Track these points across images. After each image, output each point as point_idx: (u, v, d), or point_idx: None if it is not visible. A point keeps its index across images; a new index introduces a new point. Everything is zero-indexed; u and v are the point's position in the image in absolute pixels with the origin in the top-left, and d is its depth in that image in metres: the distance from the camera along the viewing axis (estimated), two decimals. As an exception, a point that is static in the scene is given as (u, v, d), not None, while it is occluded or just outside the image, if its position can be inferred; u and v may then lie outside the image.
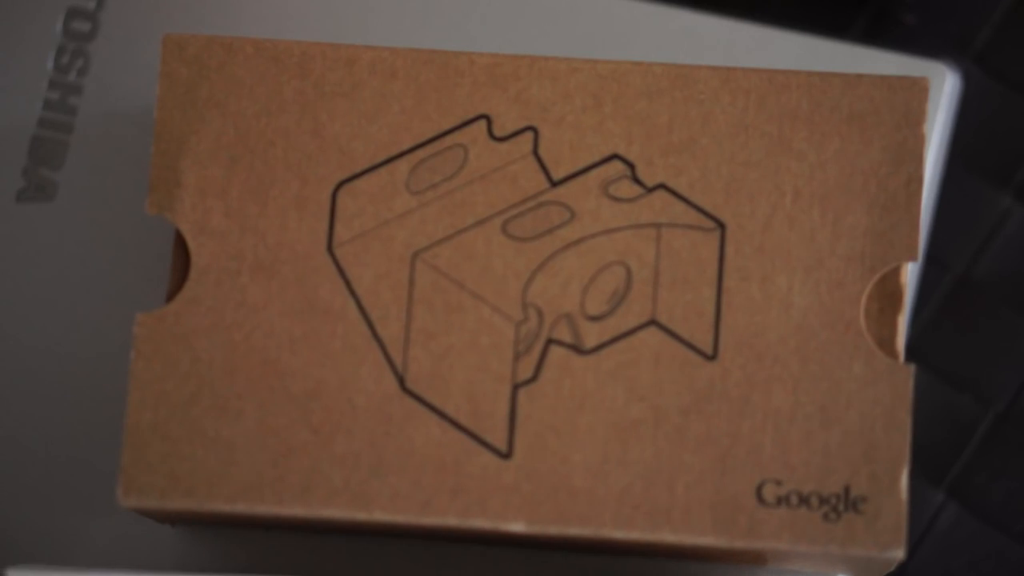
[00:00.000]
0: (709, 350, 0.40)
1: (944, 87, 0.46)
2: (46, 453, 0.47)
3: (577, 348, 0.40)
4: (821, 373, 0.40)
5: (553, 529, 0.39)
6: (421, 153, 0.41)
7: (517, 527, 0.40)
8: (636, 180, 0.41)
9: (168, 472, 0.40)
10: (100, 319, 0.47)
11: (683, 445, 0.40)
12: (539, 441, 0.40)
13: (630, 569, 0.45)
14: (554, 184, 0.41)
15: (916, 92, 0.41)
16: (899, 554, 0.39)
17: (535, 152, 0.41)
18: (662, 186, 0.41)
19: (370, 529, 0.41)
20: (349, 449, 0.40)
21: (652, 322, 0.40)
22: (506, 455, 0.40)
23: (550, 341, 0.40)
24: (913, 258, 0.40)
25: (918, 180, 0.40)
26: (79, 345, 0.47)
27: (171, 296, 0.41)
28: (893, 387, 0.39)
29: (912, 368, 0.39)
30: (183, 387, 0.40)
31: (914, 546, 0.49)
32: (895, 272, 0.40)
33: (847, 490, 0.39)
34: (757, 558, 0.42)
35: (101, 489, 0.45)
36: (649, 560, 0.45)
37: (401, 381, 0.40)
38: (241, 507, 0.40)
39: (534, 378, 0.40)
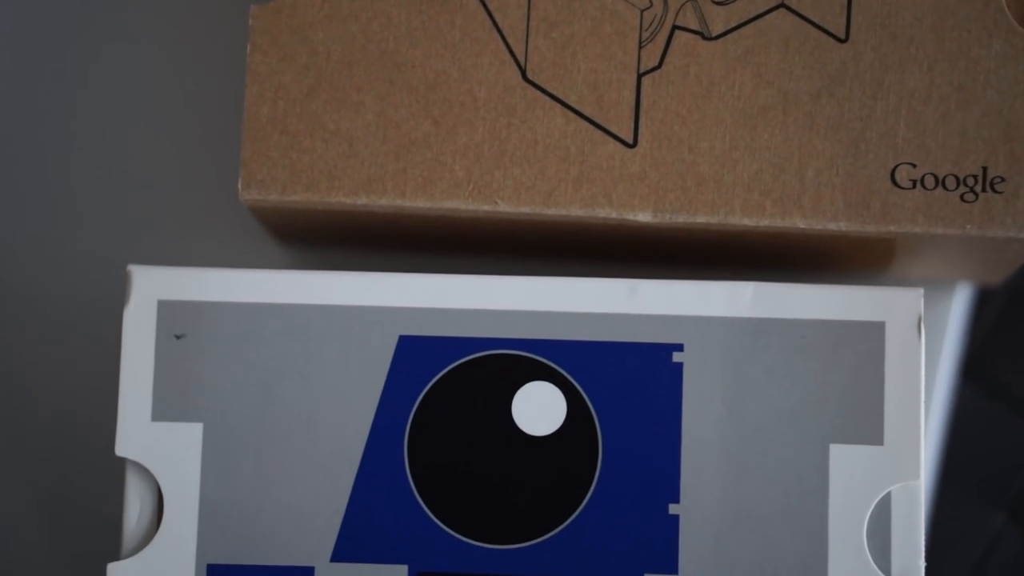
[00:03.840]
0: (841, 32, 0.39)
1: None
2: (166, 153, 0.46)
3: (703, 34, 0.39)
4: (958, 52, 0.38)
5: (680, 217, 0.39)
6: None
7: (644, 217, 0.39)
8: None
9: (288, 165, 0.39)
10: (215, 10, 0.46)
11: (814, 130, 0.39)
12: (665, 129, 0.39)
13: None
14: None
15: None
16: (1039, 233, 0.38)
17: None
18: None
19: (491, 228, 0.41)
20: (471, 140, 0.39)
21: (781, 5, 0.39)
22: (631, 144, 0.39)
23: (675, 27, 0.39)
24: (1057, -71, 0.38)
25: None
26: (192, 40, 0.46)
27: (286, -11, 0.40)
28: (1034, 63, 0.38)
29: (1054, 44, 0.38)
30: (301, 80, 0.39)
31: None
32: (1037, -55, 0.39)
33: (985, 170, 0.38)
34: (886, 253, 0.41)
35: (219, 196, 0.45)
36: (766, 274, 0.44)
37: (523, 71, 0.39)
38: (363, 200, 0.39)
39: (659, 66, 0.39)
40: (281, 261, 0.46)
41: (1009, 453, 0.51)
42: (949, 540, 0.48)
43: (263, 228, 0.44)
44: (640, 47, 0.39)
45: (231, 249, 0.46)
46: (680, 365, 0.38)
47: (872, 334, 0.38)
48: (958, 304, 0.48)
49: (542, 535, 0.38)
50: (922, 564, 0.37)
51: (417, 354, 0.39)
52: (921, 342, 0.38)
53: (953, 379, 0.49)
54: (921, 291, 0.38)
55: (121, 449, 0.38)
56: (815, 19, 0.39)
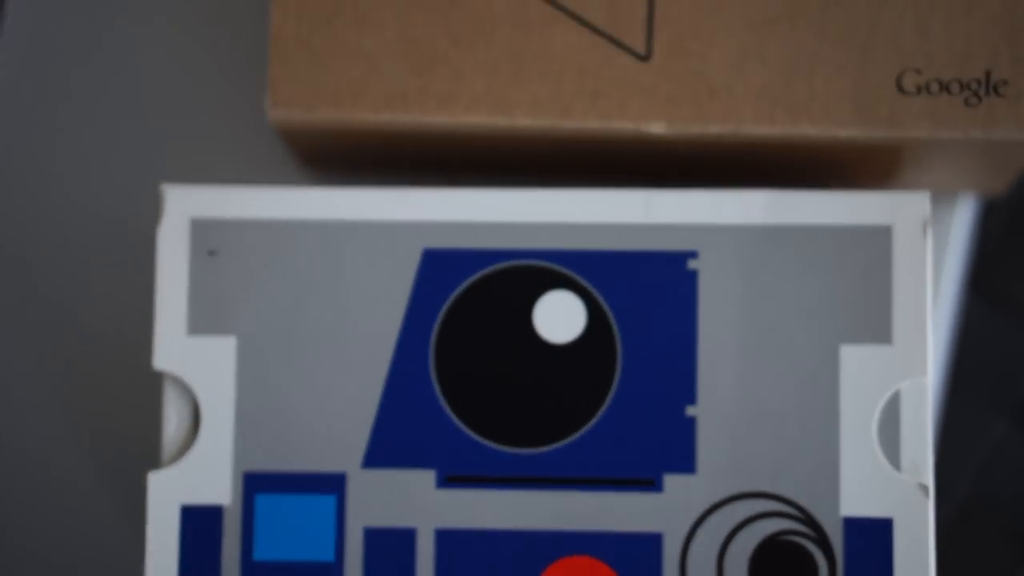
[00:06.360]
0: (847, -56, 0.40)
1: None
2: (193, 76, 0.47)
3: (713, -51, 0.40)
4: (961, -40, 0.39)
5: (693, 128, 0.40)
6: None
7: (658, 128, 0.40)
8: None
9: (313, 84, 0.40)
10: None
11: (822, 38, 0.40)
12: (677, 42, 0.40)
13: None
14: None
15: None
16: (1042, 135, 0.39)
17: None
18: None
19: (511, 144, 0.42)
20: (489, 56, 0.40)
21: (788, -81, 0.40)
22: (645, 57, 0.40)
23: (685, -57, 0.40)
24: None
25: None
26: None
27: (306, -87, 0.41)
28: (1035, -29, 0.39)
29: (1054, -48, 0.39)
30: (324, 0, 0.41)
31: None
32: None
33: (988, 74, 0.39)
34: (893, 162, 0.42)
35: (246, 121, 0.46)
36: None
37: (538, -11, 0.40)
38: (386, 117, 0.40)
39: (670, -19, 0.40)
40: (306, 178, 0.47)
41: (1013, 362, 0.52)
42: (954, 445, 0.49)
43: (290, 153, 0.45)
44: (651, -37, 0.40)
45: (258, 176, 0.47)
46: (695, 272, 0.40)
47: (880, 237, 0.39)
48: (962, 214, 0.49)
49: (564, 438, 0.39)
50: (931, 457, 0.39)
51: (441, 266, 0.40)
52: (928, 243, 0.39)
53: (958, 289, 0.51)
54: (927, 194, 0.39)
55: (159, 363, 0.40)
56: (821, -68, 0.40)
